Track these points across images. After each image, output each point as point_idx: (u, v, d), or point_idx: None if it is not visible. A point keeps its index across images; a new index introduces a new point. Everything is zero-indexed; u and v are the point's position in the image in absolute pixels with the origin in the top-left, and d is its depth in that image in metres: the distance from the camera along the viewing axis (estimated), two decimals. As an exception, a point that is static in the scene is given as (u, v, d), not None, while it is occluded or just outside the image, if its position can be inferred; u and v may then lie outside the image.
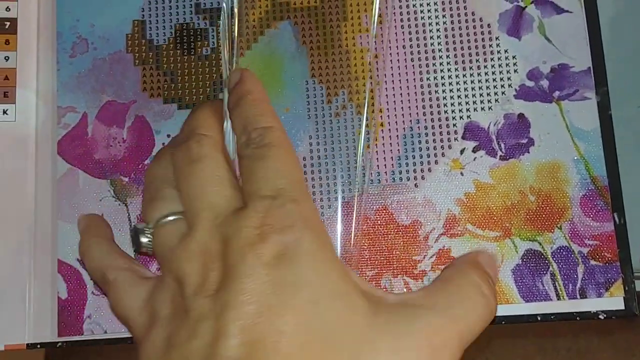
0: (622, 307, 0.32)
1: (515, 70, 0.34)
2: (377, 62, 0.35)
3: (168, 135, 0.34)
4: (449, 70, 0.34)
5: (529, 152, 0.33)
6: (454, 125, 0.34)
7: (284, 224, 0.23)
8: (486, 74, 0.34)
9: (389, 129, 0.34)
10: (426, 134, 0.34)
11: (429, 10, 0.35)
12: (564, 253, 0.32)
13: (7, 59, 0.35)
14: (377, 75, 0.35)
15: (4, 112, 0.35)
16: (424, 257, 0.32)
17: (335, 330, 0.22)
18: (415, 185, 0.33)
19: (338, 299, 0.23)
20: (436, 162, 0.34)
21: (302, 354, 0.22)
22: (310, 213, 0.24)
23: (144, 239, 0.27)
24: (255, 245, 0.23)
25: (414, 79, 0.34)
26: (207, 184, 0.25)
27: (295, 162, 0.26)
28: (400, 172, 0.34)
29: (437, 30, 0.35)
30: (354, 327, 0.23)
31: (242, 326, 0.22)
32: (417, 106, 0.34)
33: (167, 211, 0.26)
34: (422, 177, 0.33)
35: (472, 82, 0.34)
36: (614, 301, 0.32)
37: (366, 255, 0.33)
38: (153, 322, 0.25)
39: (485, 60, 0.34)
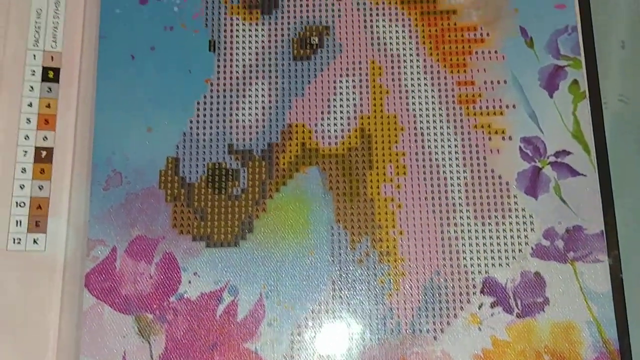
0: None
1: (532, 229, 0.36)
2: (400, 211, 0.36)
3: (195, 273, 0.35)
4: (468, 224, 0.36)
5: (544, 311, 0.34)
6: (473, 279, 0.35)
7: None
8: (504, 230, 0.36)
9: (410, 279, 0.35)
10: (446, 287, 0.35)
11: (450, 165, 0.37)
12: (577, 415, 0.33)
13: (41, 188, 0.36)
14: (400, 225, 0.36)
15: (35, 241, 0.36)
16: (442, 413, 0.33)
17: None
18: (435, 337, 0.34)
19: None
20: (455, 315, 0.35)
21: None
22: None
23: None
24: None
25: (435, 231, 0.36)
26: None
27: None
28: (420, 324, 0.35)
29: (458, 184, 0.37)
30: None
31: None
32: (437, 258, 0.36)
33: None
34: (441, 330, 0.34)
35: (490, 237, 0.36)
36: None
37: (385, 408, 0.33)
38: None
39: (503, 217, 0.36)
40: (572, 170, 0.37)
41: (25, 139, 0.37)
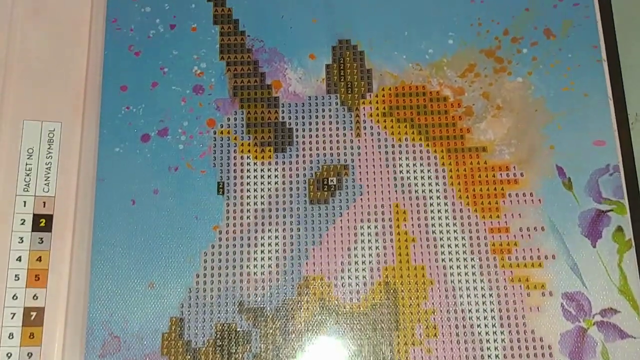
0: None
1: (579, 402, 0.32)
2: (431, 380, 0.32)
3: None
4: (508, 396, 0.32)
5: None
6: None
7: None
8: (548, 403, 0.32)
9: None
10: None
11: (485, 325, 0.33)
12: None
13: (30, 355, 0.33)
14: (432, 396, 0.32)
15: (21, 420, 0.32)
16: None
17: None
18: None
19: None
20: None
21: None
22: None
23: None
24: None
25: (471, 404, 0.32)
26: None
27: None
28: None
29: (495, 348, 0.33)
30: None
31: None
32: None
33: None
34: None
35: (533, 412, 0.32)
36: None
37: None
38: None
39: (547, 387, 0.32)
40: (621, 331, 0.33)
41: (14, 298, 0.33)
